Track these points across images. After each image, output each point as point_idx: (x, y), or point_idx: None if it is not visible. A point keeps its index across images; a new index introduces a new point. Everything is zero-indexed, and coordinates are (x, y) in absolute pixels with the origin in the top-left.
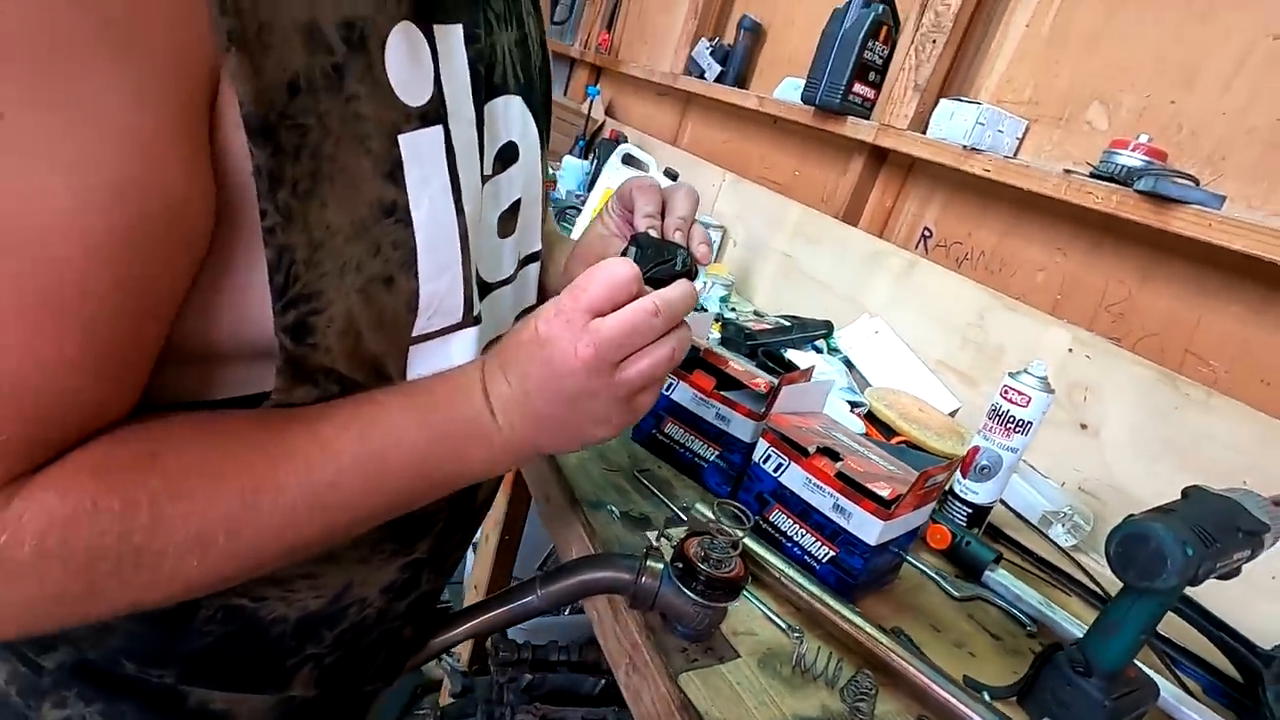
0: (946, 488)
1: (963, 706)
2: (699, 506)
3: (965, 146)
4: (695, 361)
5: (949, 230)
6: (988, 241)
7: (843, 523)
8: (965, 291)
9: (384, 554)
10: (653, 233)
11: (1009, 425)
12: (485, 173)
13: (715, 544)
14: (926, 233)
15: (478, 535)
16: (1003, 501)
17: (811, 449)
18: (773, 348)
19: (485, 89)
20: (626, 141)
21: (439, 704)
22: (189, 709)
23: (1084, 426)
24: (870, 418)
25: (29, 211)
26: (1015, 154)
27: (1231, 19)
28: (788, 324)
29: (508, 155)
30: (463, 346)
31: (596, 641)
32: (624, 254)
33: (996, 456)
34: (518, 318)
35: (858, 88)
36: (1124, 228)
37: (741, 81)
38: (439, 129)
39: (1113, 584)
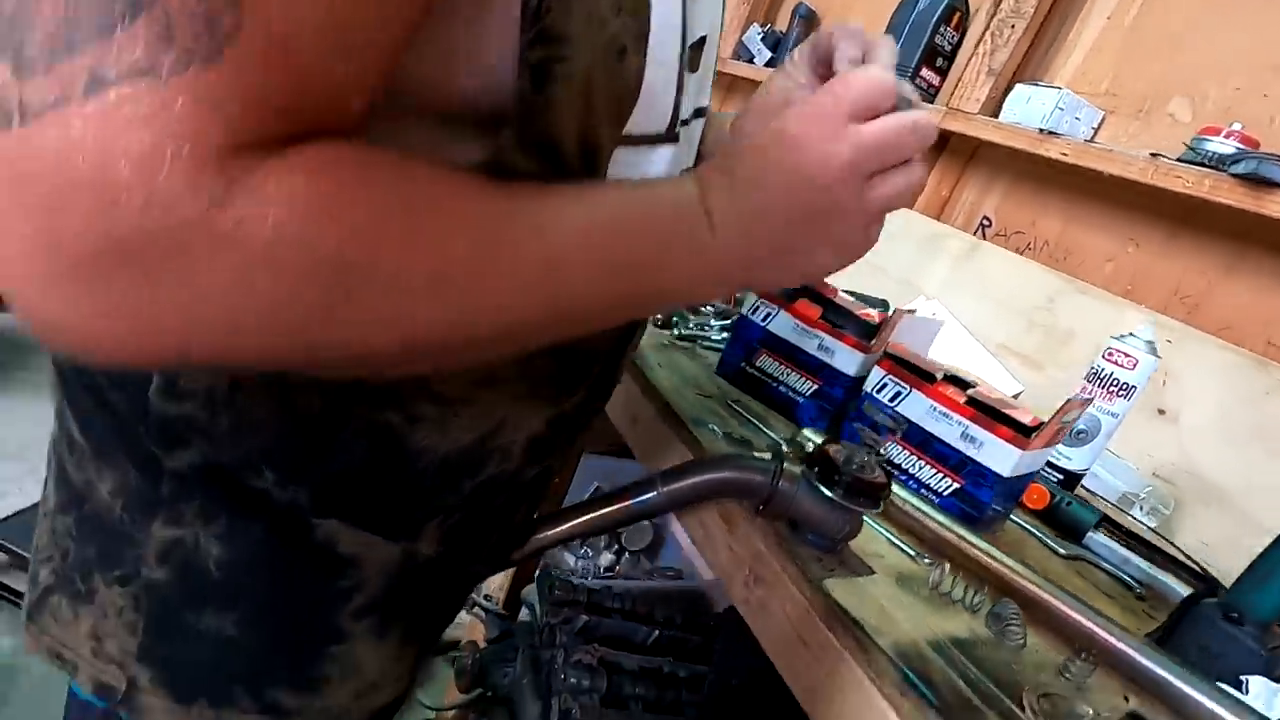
0: None
1: (1118, 642)
2: (807, 433)
3: (1041, 130)
4: (798, 289)
5: (1010, 219)
6: (1051, 230)
7: (971, 452)
8: (1033, 275)
9: (542, 397)
10: None
11: (1111, 388)
12: None
13: (858, 450)
14: (985, 221)
15: None
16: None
17: (938, 375)
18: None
19: None
20: None
21: (477, 648)
22: (314, 544)
23: (1161, 412)
24: None
25: None
26: (1091, 142)
27: None
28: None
29: None
30: (659, 163)
31: (650, 593)
32: None
33: (1095, 421)
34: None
35: (924, 73)
36: (1207, 217)
37: None
38: None
39: (1209, 565)
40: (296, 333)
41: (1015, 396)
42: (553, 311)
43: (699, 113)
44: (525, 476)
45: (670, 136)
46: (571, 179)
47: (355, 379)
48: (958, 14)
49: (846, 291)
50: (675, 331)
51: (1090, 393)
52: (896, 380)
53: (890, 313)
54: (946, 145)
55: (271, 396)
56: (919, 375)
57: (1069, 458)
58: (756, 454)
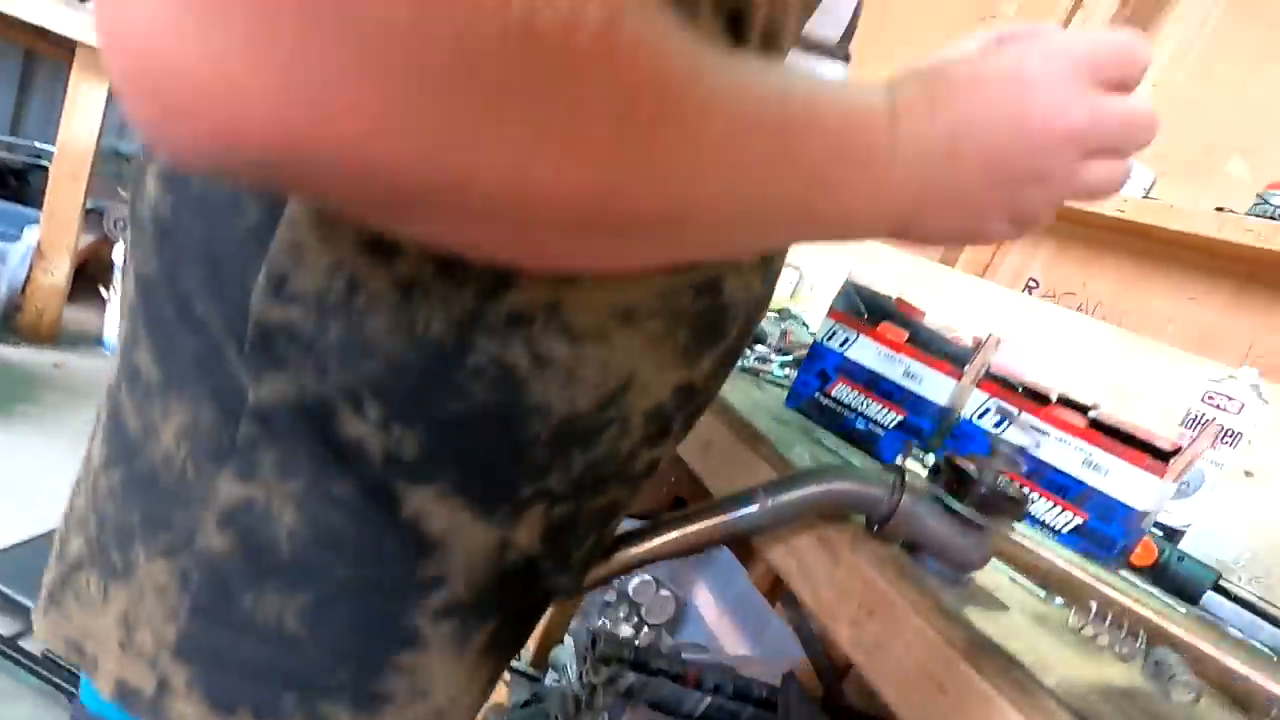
0: None
1: None
2: (910, 463)
3: None
4: (882, 313)
5: (1059, 280)
6: (1104, 292)
7: (1096, 482)
8: (1091, 331)
9: (675, 349)
10: None
11: (1216, 434)
12: None
13: (990, 462)
14: (1032, 283)
15: None
16: None
17: (1054, 395)
18: None
19: None
20: None
21: (502, 710)
22: (402, 522)
23: (1249, 474)
24: None
25: None
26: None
27: None
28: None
29: None
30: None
31: (697, 657)
32: None
33: (1197, 471)
34: None
35: None
36: (1270, 273)
37: None
38: None
39: None
40: (606, 149)
41: None
42: (738, 199)
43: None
44: (636, 467)
45: (842, 53)
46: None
47: (493, 296)
48: None
49: None
50: (743, 362)
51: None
52: (1004, 404)
53: (986, 337)
54: None
55: (390, 309)
56: (1030, 397)
57: (1169, 510)
58: (868, 471)
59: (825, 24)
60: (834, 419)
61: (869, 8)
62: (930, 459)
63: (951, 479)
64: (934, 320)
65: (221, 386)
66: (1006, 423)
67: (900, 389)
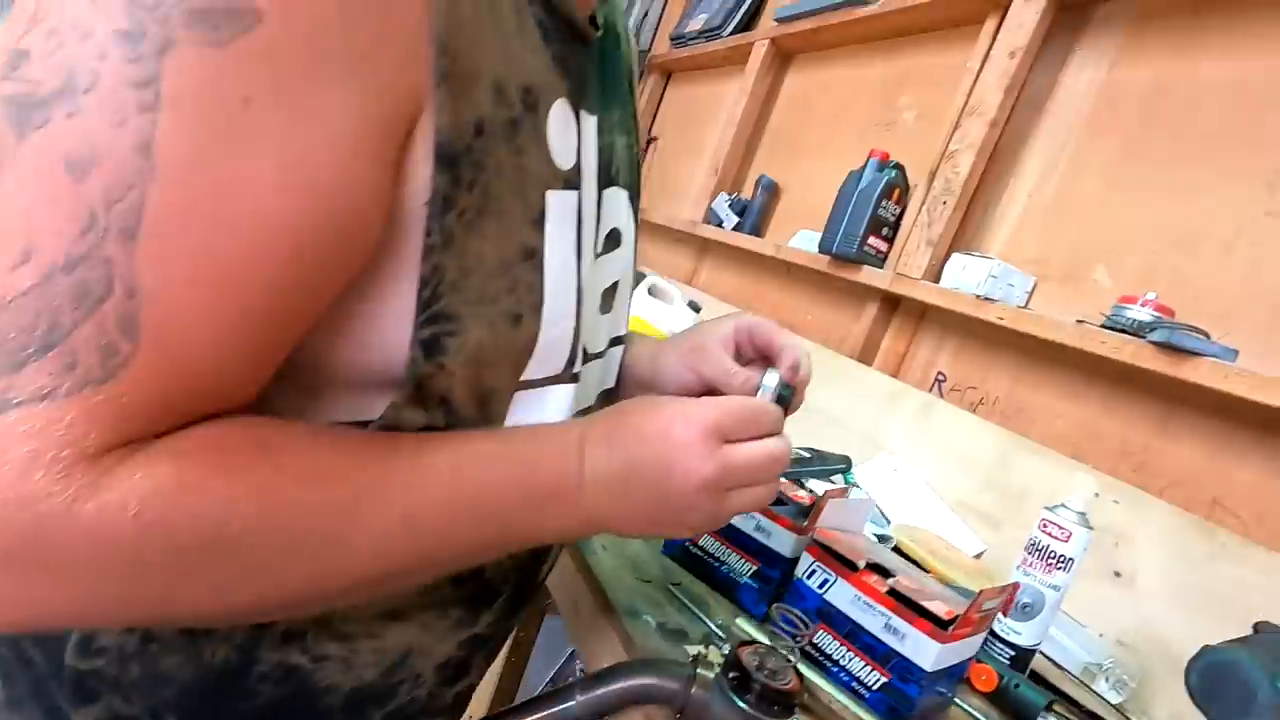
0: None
1: None
2: (740, 622)
3: (979, 296)
4: None
5: (963, 375)
6: (1001, 387)
7: (895, 644)
8: (986, 433)
9: (449, 621)
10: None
11: (1049, 560)
12: (596, 249)
13: (771, 653)
14: (940, 377)
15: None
16: (1040, 650)
17: (860, 563)
18: (793, 477)
19: (604, 178)
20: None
21: None
22: None
23: (1118, 574)
24: (898, 550)
25: (239, 194)
26: (1026, 306)
27: (1220, 195)
28: (807, 455)
29: (613, 239)
30: (558, 401)
31: None
32: (775, 392)
33: (1039, 594)
34: (600, 395)
35: (872, 240)
36: (1138, 378)
37: (757, 232)
38: (575, 194)
39: None
40: (150, 604)
41: (978, 555)
42: (417, 561)
43: (616, 340)
44: (442, 702)
45: (569, 377)
46: (465, 424)
47: (257, 624)
48: (897, 190)
49: (805, 449)
50: None
51: (1031, 564)
52: (824, 567)
53: (820, 495)
54: (899, 305)
55: (181, 648)
56: (843, 563)
57: (1018, 632)
58: (673, 662)
59: (546, 367)
60: (702, 567)
61: (795, 114)
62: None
63: (735, 678)
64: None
65: (52, 708)
66: (829, 584)
67: (753, 540)
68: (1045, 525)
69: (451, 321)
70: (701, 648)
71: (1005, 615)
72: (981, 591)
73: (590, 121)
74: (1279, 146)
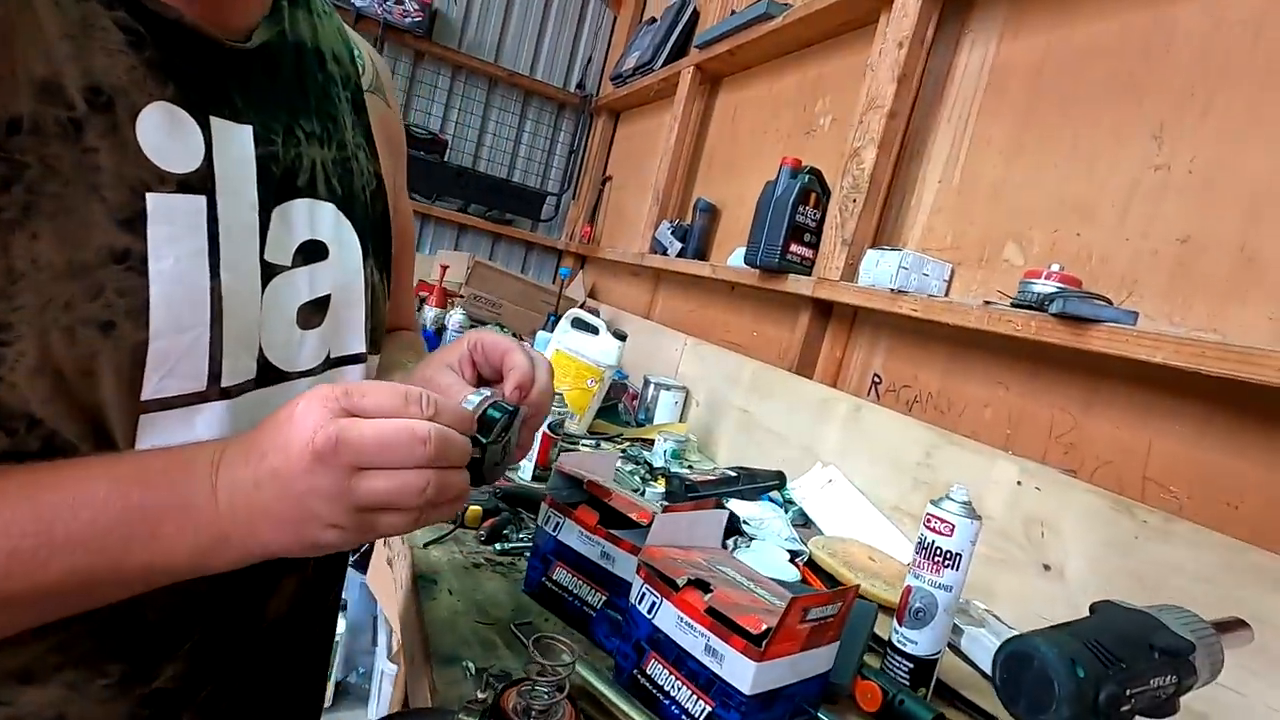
0: (888, 639)
1: None
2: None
3: (893, 290)
4: (580, 495)
5: (896, 374)
6: (933, 382)
7: (716, 668)
8: (910, 431)
9: (109, 679)
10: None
11: (937, 559)
12: (277, 261)
13: (536, 691)
14: (876, 379)
15: None
16: (964, 656)
17: (682, 581)
18: (716, 498)
19: (283, 188)
20: (598, 315)
21: None
22: None
23: (1047, 567)
24: (812, 567)
25: None
26: (946, 294)
27: (1112, 157)
28: (734, 475)
29: (312, 252)
30: (210, 424)
31: None
32: (479, 408)
33: (930, 597)
34: None
35: (794, 248)
36: (1055, 355)
37: (701, 255)
38: (201, 199)
39: None
40: None
41: None
42: (20, 595)
43: (348, 359)
44: None
45: (216, 394)
46: (75, 448)
47: None
48: (813, 194)
49: (733, 468)
50: (498, 546)
51: (919, 566)
52: (651, 590)
53: (653, 515)
54: (832, 311)
55: None
56: (666, 582)
57: (914, 641)
58: (438, 711)
59: (176, 383)
60: (558, 603)
61: (726, 134)
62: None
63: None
64: (620, 496)
65: None
66: (656, 608)
67: (601, 570)
68: (929, 520)
69: (3, 331)
70: (483, 688)
71: (900, 623)
72: (794, 599)
73: (233, 129)
74: (1160, 96)
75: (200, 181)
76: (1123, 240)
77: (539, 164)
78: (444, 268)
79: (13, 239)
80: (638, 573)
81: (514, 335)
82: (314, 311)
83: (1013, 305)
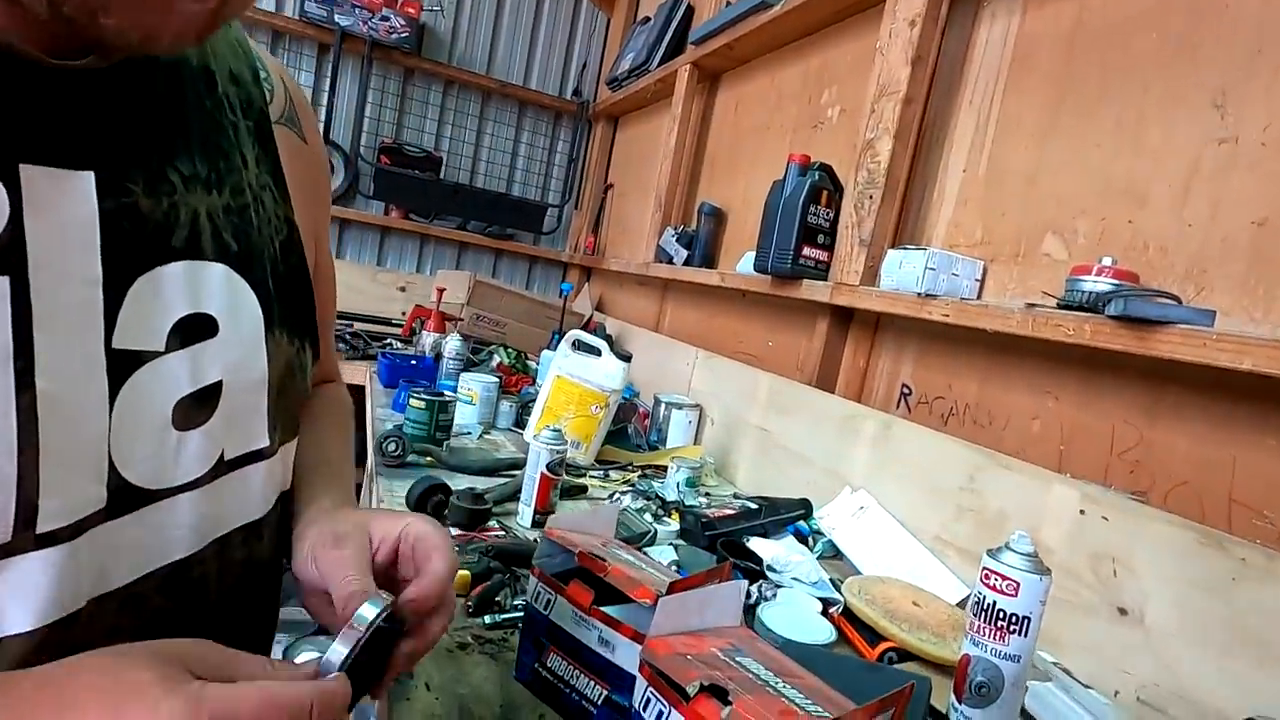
0: (945, 713)
1: None
2: None
3: (920, 294)
4: (571, 570)
5: (928, 384)
6: (969, 392)
7: None
8: (950, 450)
9: None
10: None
11: (1000, 624)
12: (141, 347)
13: None
14: (905, 390)
15: None
16: (1032, 718)
17: (692, 689)
18: (735, 536)
19: (149, 251)
20: (604, 331)
21: None
22: None
23: (1123, 611)
24: (848, 616)
25: None
26: (979, 295)
27: (1164, 131)
28: (755, 507)
29: (197, 329)
30: (31, 576)
31: None
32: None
33: (994, 669)
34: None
35: (808, 251)
36: (1114, 361)
37: (709, 262)
38: (3, 281)
39: None
40: None
41: (962, 603)
42: None
43: (250, 458)
44: None
45: (27, 544)
46: None
47: None
48: (825, 192)
49: (756, 499)
50: (488, 619)
51: (979, 631)
52: (657, 695)
53: (661, 593)
54: (853, 317)
55: None
56: (673, 688)
57: None
58: None
59: None
60: (554, 695)
61: (728, 133)
62: None
63: None
64: (618, 569)
65: None
66: (663, 717)
67: (600, 658)
68: (987, 577)
69: None
70: None
71: (960, 700)
72: (846, 716)
73: (60, 179)
74: (1220, 58)
75: (0, 256)
76: (1184, 226)
77: (538, 175)
78: (440, 290)
79: None
80: (641, 671)
81: (520, 355)
82: (198, 406)
83: (1060, 306)
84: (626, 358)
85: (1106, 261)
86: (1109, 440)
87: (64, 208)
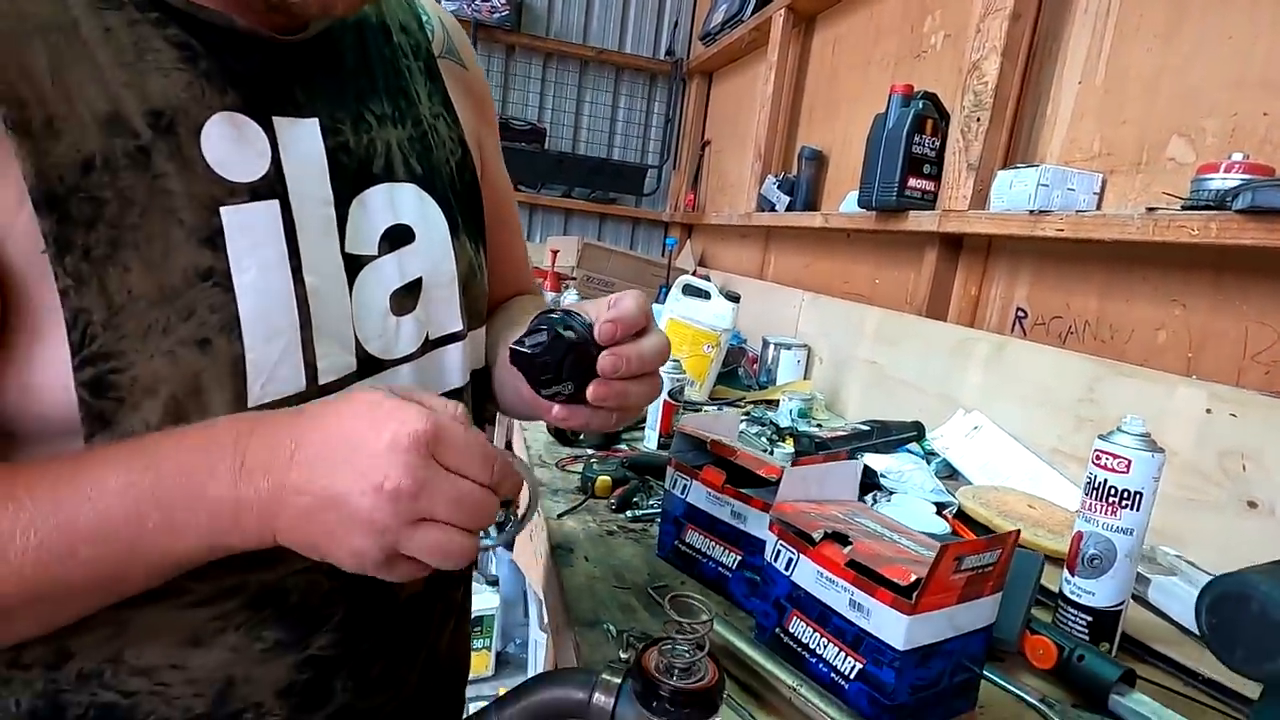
0: (1058, 590)
1: None
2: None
3: (1032, 211)
4: (705, 457)
5: (1044, 306)
6: (1089, 309)
7: (863, 623)
8: (1068, 365)
9: (265, 645)
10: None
11: (1111, 499)
12: (362, 252)
13: (677, 649)
14: (1020, 313)
15: None
16: (1153, 608)
17: (818, 535)
18: (854, 453)
19: (359, 177)
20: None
21: None
22: None
23: (1253, 505)
24: (963, 518)
25: None
26: (1098, 208)
27: None
28: (867, 428)
29: (399, 237)
30: None
31: None
32: (534, 344)
33: (1106, 543)
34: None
35: (914, 182)
36: (1244, 260)
37: (811, 206)
38: (274, 204)
39: None
40: None
41: None
42: (50, 586)
43: (446, 339)
44: None
45: (317, 392)
46: None
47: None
48: (929, 121)
49: (866, 422)
50: (629, 514)
51: (1090, 508)
52: (787, 546)
53: (782, 471)
54: (963, 245)
55: None
56: (801, 537)
57: (1090, 592)
58: (583, 671)
59: (276, 386)
60: (693, 565)
61: (826, 75)
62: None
63: (640, 687)
64: (745, 453)
65: None
66: (793, 564)
67: (733, 529)
68: (1098, 457)
69: (115, 359)
70: (625, 648)
71: (1072, 573)
72: (945, 546)
73: (297, 124)
74: None
75: (270, 186)
76: None
77: (637, 139)
78: (554, 253)
79: (107, 274)
80: (770, 529)
81: None
82: (407, 296)
83: (1184, 209)
84: (735, 298)
85: (1236, 157)
86: (1242, 343)
87: (302, 147)
